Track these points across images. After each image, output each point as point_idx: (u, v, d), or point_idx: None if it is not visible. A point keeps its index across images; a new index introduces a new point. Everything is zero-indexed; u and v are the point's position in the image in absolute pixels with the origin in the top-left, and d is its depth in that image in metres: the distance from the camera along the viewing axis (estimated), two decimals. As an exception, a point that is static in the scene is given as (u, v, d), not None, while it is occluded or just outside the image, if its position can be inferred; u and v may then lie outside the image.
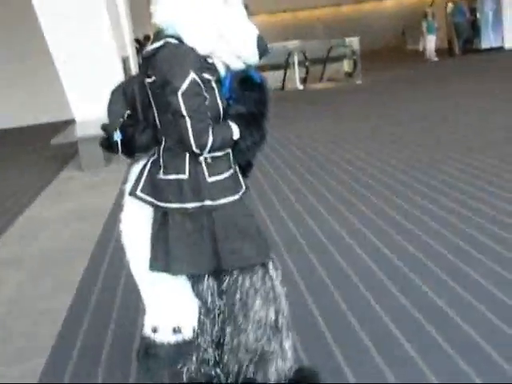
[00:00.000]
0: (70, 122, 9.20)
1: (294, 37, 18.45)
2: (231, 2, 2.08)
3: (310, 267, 3.65)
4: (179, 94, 1.96)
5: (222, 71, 2.10)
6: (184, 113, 1.97)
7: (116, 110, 2.17)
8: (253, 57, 2.10)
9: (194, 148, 2.01)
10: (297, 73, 15.02)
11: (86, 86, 7.96)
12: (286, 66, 15.18)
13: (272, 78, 15.11)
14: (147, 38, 16.10)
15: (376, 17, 26.42)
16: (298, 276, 3.51)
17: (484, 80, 11.91)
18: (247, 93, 2.11)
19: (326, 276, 3.49)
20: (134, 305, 3.16)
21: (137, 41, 15.96)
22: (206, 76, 2.02)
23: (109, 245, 4.48)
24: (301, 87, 14.82)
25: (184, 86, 1.95)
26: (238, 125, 2.09)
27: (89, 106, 7.39)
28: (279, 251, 3.84)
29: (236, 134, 2.08)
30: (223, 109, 2.08)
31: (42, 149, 9.69)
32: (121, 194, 2.27)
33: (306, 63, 15.04)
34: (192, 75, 1.96)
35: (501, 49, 18.29)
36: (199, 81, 1.98)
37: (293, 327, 2.26)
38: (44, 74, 11.64)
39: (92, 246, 4.61)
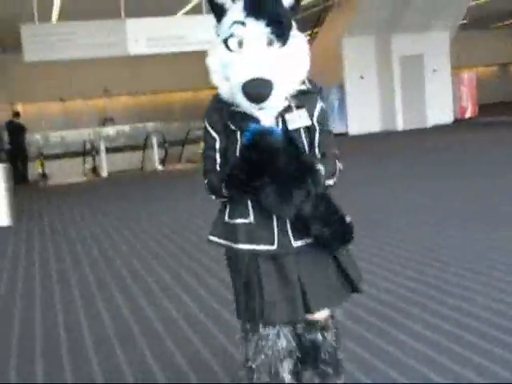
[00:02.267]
0: None
1: (153, 118, 18.83)
2: (247, 45, 2.07)
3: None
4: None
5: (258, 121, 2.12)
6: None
7: None
8: (243, 105, 2.09)
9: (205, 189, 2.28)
10: (156, 154, 15.26)
11: None
12: (144, 146, 15.41)
13: (131, 159, 15.31)
14: (16, 113, 15.73)
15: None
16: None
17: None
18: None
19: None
20: None
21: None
22: (231, 125, 2.18)
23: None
24: (160, 168, 15.04)
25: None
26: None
27: None
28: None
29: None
30: None
31: None
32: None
33: (165, 145, 15.37)
34: (205, 123, 2.25)
35: (345, 135, 19.80)
36: (209, 128, 2.23)
37: None
38: None
39: None
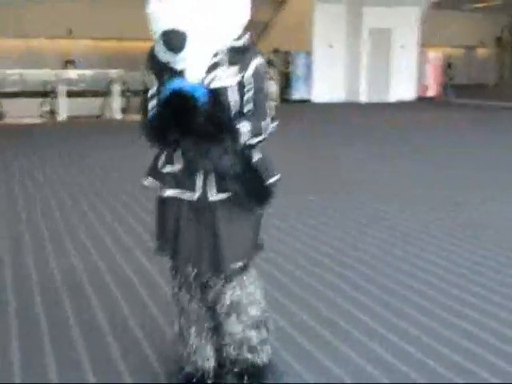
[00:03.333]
0: None
1: (117, 66, 18.45)
2: None
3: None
4: None
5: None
6: None
7: None
8: (163, 56, 2.10)
9: None
10: (117, 102, 15.03)
11: None
12: (105, 93, 15.15)
13: (91, 105, 15.04)
14: None
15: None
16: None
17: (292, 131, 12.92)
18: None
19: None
20: None
21: None
22: (163, 75, 2.23)
23: None
24: (119, 117, 14.84)
25: None
26: None
27: None
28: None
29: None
30: None
31: None
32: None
33: (128, 93, 15.13)
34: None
35: (308, 101, 19.84)
36: (147, 72, 2.32)
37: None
38: None
39: None
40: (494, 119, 15.30)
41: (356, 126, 13.54)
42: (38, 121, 14.43)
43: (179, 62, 2.10)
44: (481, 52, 30.69)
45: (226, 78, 2.16)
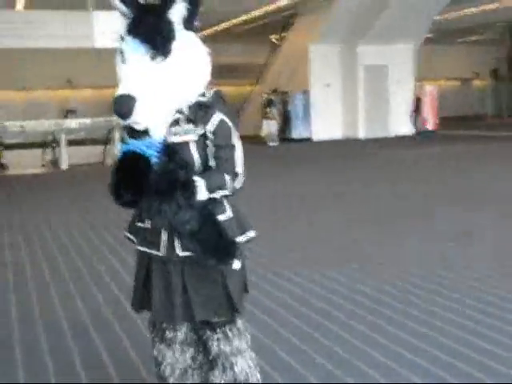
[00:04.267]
0: None
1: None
2: (127, 60, 2.12)
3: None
4: None
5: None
6: None
7: None
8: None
9: None
10: (118, 148, 15.09)
11: None
12: (106, 140, 15.26)
13: (92, 153, 15.13)
14: None
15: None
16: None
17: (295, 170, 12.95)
18: None
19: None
20: None
21: None
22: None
23: None
24: (121, 163, 14.89)
25: None
26: None
27: None
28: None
29: None
30: None
31: None
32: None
33: (128, 140, 15.24)
34: None
35: (309, 140, 19.95)
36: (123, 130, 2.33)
37: None
38: None
39: None
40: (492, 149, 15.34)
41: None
42: (40, 171, 14.51)
43: (134, 124, 2.13)
44: (476, 84, 30.99)
45: (185, 133, 2.19)
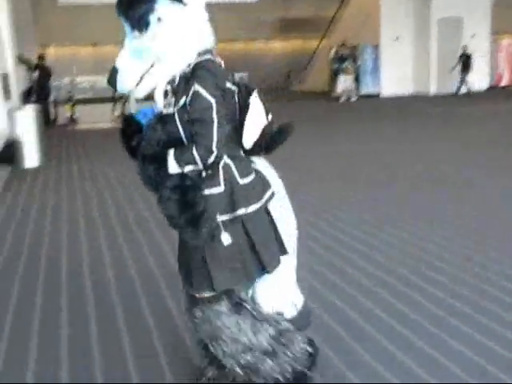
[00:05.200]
0: None
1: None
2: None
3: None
4: None
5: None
6: None
7: None
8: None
9: None
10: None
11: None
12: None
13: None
14: (41, 57, 15.71)
15: (264, 56, 27.32)
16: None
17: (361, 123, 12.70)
18: None
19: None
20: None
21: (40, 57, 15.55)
22: None
23: None
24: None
25: None
26: None
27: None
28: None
29: None
30: None
31: None
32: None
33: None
34: None
35: (377, 96, 19.51)
36: None
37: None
38: None
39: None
40: None
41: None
42: (109, 125, 14.78)
43: (128, 93, 2.35)
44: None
45: (169, 106, 2.22)
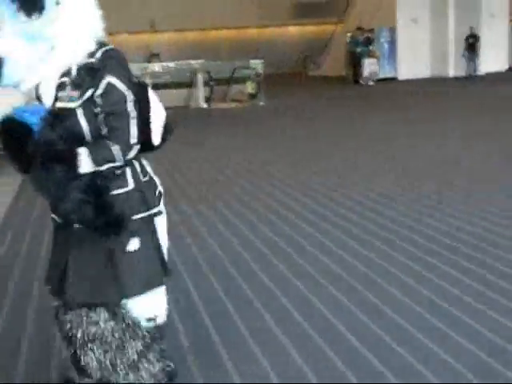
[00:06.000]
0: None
1: (199, 56, 18.70)
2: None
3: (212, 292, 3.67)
4: None
5: None
6: None
7: None
8: None
9: None
10: (201, 92, 15.17)
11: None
12: (190, 84, 15.33)
13: (176, 96, 15.27)
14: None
15: (279, 42, 27.11)
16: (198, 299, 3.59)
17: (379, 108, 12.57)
18: None
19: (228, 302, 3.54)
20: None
21: None
22: None
23: None
24: (205, 106, 14.98)
25: None
26: None
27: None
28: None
29: None
30: None
31: None
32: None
33: (211, 83, 15.25)
34: None
35: (394, 79, 19.30)
36: None
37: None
38: None
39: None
40: None
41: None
42: None
43: (13, 87, 2.00)
44: None
45: (70, 100, 1.98)
